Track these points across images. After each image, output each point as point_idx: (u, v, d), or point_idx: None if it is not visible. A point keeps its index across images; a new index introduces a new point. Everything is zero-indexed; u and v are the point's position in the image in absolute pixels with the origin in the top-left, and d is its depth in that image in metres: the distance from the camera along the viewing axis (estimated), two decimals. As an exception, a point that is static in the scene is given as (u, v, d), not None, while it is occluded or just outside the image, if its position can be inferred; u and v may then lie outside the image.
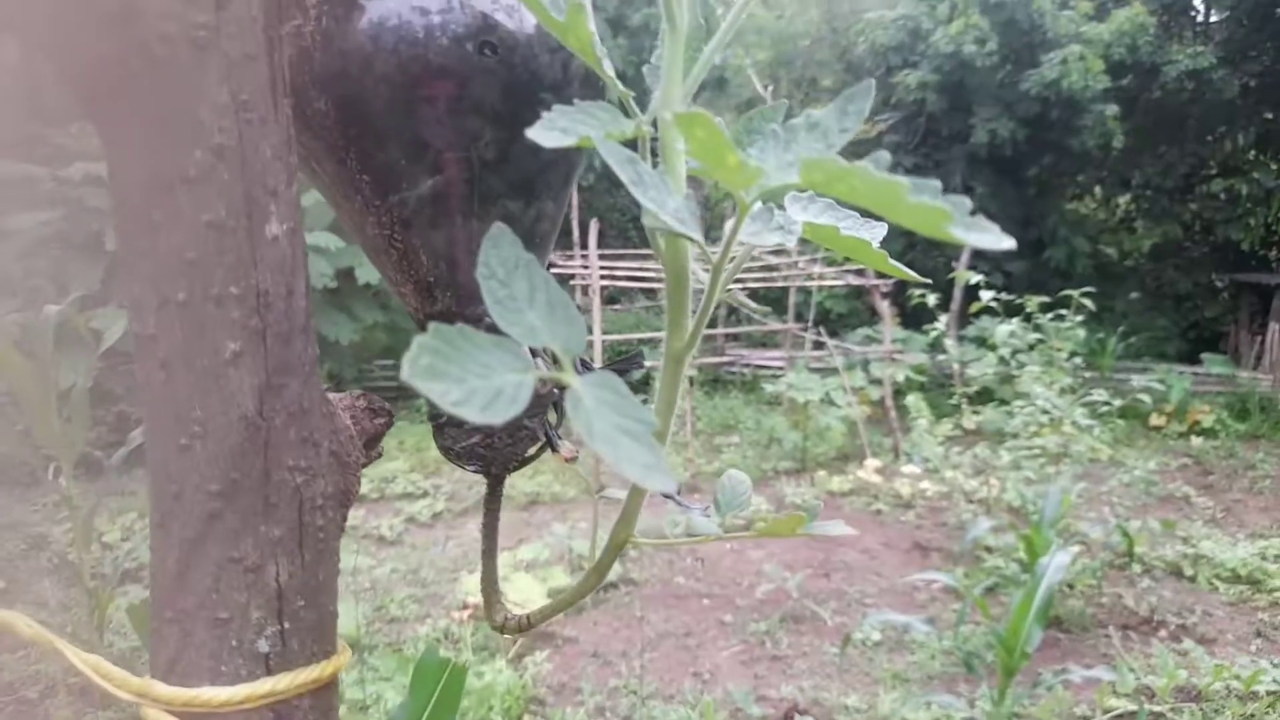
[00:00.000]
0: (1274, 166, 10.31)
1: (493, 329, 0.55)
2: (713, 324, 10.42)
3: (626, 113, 0.43)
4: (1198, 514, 5.77)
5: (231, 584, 0.47)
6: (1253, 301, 9.97)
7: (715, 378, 9.40)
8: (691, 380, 8.62)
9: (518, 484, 6.12)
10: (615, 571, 4.58)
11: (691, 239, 0.41)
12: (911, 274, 0.43)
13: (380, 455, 0.58)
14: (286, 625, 0.48)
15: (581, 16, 0.42)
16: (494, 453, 0.60)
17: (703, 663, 3.70)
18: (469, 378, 0.35)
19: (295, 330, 0.49)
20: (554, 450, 0.60)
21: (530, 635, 3.80)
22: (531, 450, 0.64)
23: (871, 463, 6.56)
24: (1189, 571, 4.65)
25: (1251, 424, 7.95)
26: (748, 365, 9.22)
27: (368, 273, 8.19)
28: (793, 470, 6.72)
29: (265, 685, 0.46)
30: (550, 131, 0.37)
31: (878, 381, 7.46)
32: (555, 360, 0.39)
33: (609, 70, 0.45)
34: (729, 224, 0.42)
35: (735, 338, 9.65)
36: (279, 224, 0.47)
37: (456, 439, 0.60)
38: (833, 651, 3.75)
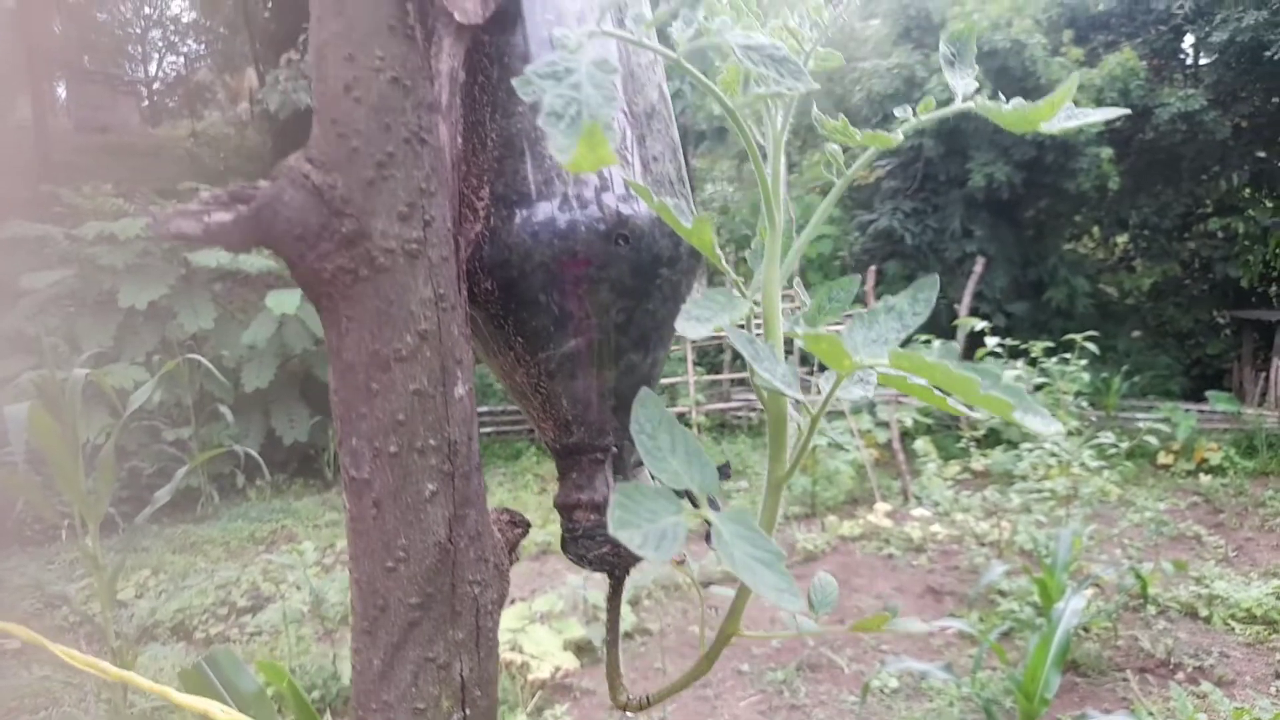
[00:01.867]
0: (1269, 204, 10.42)
1: (617, 458, 0.66)
2: (718, 369, 10.47)
3: (741, 291, 0.56)
4: (1210, 553, 5.77)
5: (427, 680, 0.57)
6: (1255, 338, 10.02)
7: (722, 422, 9.44)
8: (699, 426, 8.66)
9: (530, 534, 6.11)
10: (630, 621, 4.60)
11: (796, 399, 0.53)
12: (962, 410, 0.48)
13: (518, 559, 0.67)
14: (468, 712, 0.58)
15: (707, 226, 0.54)
16: (620, 559, 0.68)
17: (722, 713, 3.70)
18: (643, 524, 0.45)
19: (473, 469, 0.59)
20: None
21: (548, 688, 3.81)
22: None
23: (881, 506, 6.58)
24: (1204, 612, 4.65)
25: (1259, 461, 7.96)
26: (754, 409, 9.27)
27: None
28: (803, 515, 6.74)
29: (453, 763, 0.55)
30: (692, 323, 0.50)
31: (884, 424, 7.50)
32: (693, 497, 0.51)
33: (726, 265, 0.58)
34: (823, 380, 0.54)
35: (742, 382, 9.71)
36: (463, 386, 0.58)
37: (589, 549, 0.68)
38: (851, 700, 3.76)
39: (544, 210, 0.62)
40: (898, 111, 0.59)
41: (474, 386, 0.60)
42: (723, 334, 0.55)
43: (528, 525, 0.68)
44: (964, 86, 0.57)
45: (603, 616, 4.57)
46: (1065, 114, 0.53)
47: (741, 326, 0.55)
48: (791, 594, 0.44)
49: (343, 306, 0.55)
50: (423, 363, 0.56)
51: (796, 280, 0.68)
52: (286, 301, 7.57)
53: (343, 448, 0.58)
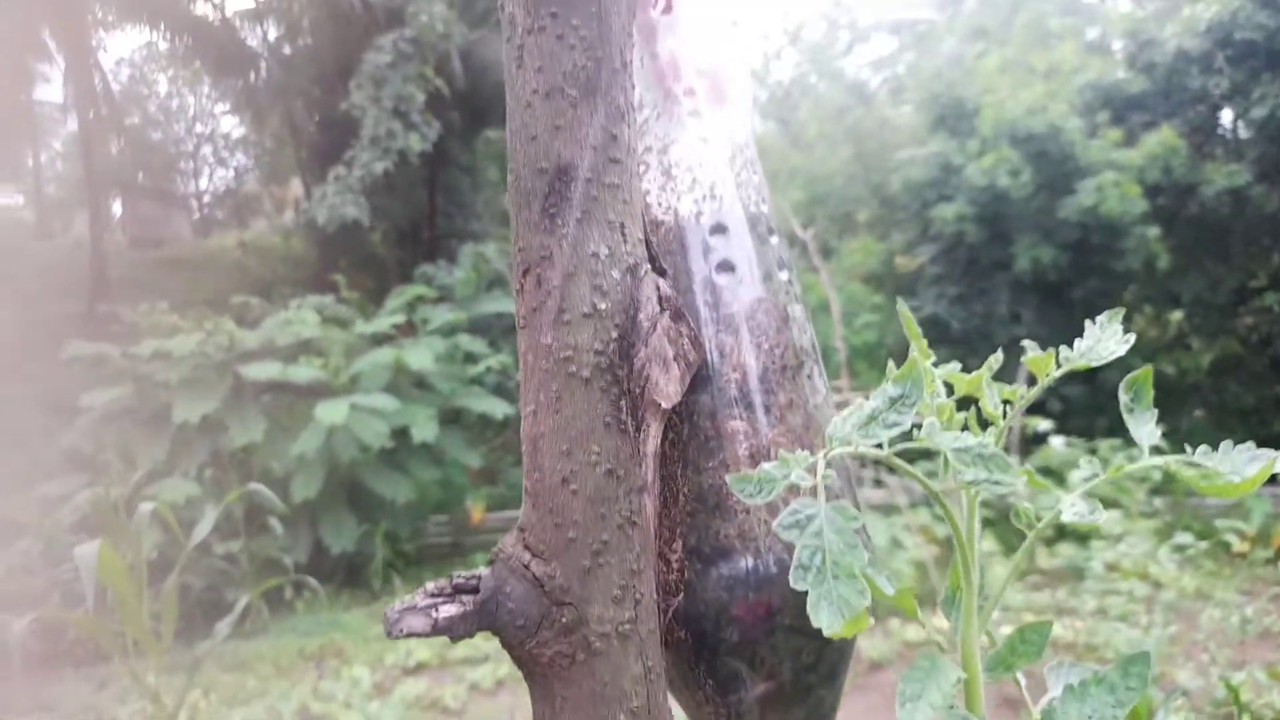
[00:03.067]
0: (1325, 277, 10.21)
1: None
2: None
3: (940, 646, 0.61)
4: (1301, 652, 5.44)
5: None
6: (1323, 414, 9.70)
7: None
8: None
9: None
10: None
11: None
12: None
13: None
14: None
15: (909, 597, 0.59)
16: None
17: None
18: None
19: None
20: None
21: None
22: None
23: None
24: (1304, 721, 4.35)
25: (1341, 545, 7.58)
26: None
27: (422, 431, 8.33)
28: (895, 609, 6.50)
29: None
30: (909, 706, 0.53)
31: (943, 518, 7.28)
32: None
33: (920, 613, 0.62)
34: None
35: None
36: None
37: None
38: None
39: (738, 564, 0.63)
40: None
41: None
42: None
43: None
44: (1148, 436, 0.63)
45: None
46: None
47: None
48: None
49: (558, 687, 0.58)
50: None
51: (991, 622, 0.72)
52: (335, 412, 7.64)
53: None
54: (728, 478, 0.49)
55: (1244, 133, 10.36)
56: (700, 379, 0.66)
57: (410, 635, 0.56)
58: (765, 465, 0.50)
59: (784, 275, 0.72)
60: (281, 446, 8.02)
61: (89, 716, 5.54)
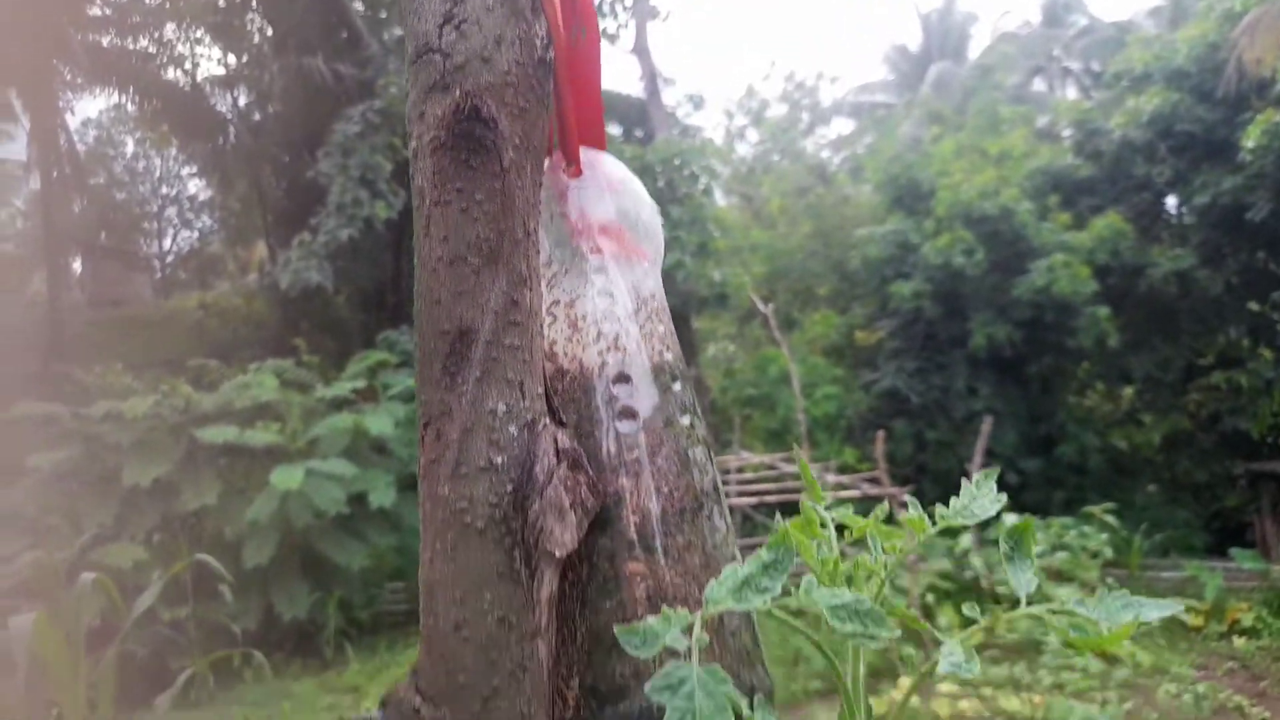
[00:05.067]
0: (1269, 356, 10.52)
1: None
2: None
3: None
4: (1254, 729, 5.47)
5: None
6: (1273, 490, 9.89)
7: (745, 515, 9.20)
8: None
9: None
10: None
11: None
12: None
13: None
14: None
15: None
16: None
17: None
18: None
19: None
20: None
21: None
22: None
23: (905, 681, 6.29)
24: (1257, 801, 4.36)
25: (1292, 621, 7.68)
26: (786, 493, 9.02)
27: (380, 497, 8.22)
28: (824, 691, 6.43)
29: None
30: None
31: (903, 591, 7.28)
32: None
33: None
34: None
35: (752, 548, 9.50)
36: None
37: None
38: None
39: (633, 703, 0.65)
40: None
41: None
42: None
43: None
44: (1025, 585, 0.64)
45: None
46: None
47: None
48: None
49: None
50: None
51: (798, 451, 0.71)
52: (291, 477, 7.52)
53: None
54: (615, 629, 0.50)
55: (1188, 218, 10.76)
56: (600, 521, 0.67)
57: None
58: (649, 620, 0.52)
59: (686, 420, 0.74)
60: (235, 511, 7.86)
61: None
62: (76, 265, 17.94)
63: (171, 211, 19.44)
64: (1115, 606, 0.59)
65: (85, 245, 16.96)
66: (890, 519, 0.67)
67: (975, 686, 5.85)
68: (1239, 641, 7.33)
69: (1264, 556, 8.86)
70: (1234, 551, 8.77)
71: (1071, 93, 17.93)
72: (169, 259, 19.88)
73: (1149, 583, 7.92)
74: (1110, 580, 4.62)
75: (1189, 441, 10.85)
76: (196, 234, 19.73)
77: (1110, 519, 4.56)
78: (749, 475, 9.89)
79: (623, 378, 0.72)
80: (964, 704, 5.89)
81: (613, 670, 0.65)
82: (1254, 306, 10.34)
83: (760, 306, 8.41)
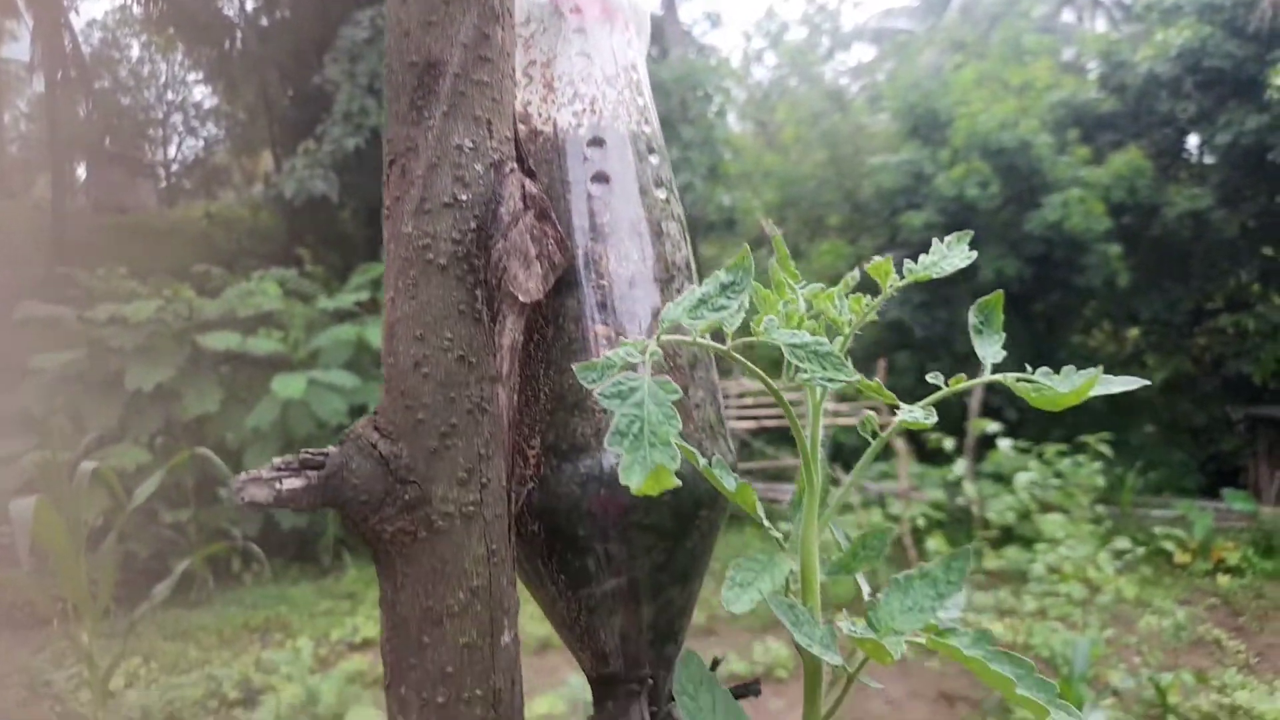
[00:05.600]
0: (1278, 302, 10.43)
1: (652, 690, 0.70)
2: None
3: (780, 544, 0.63)
4: (1231, 659, 5.57)
5: None
6: (1270, 436, 9.91)
7: (732, 514, 9.28)
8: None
9: (527, 627, 5.98)
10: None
11: (835, 663, 0.56)
12: (1008, 681, 0.51)
13: None
14: None
15: (748, 491, 0.60)
16: None
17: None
18: None
19: (515, 713, 0.62)
20: None
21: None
22: None
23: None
24: (1227, 725, 4.46)
25: (1278, 562, 7.77)
26: (760, 500, 9.13)
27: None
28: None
29: None
30: (736, 590, 0.54)
31: (895, 518, 7.36)
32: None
33: (762, 514, 0.63)
34: (844, 624, 0.57)
35: (748, 472, 9.61)
36: (509, 634, 0.61)
37: None
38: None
39: (592, 461, 0.65)
40: (930, 377, 0.65)
41: (518, 632, 0.63)
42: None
43: None
44: (992, 355, 0.65)
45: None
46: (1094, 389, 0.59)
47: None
48: None
49: (400, 564, 0.59)
50: (473, 617, 0.59)
51: (833, 525, 0.70)
52: (292, 385, 7.56)
53: (390, 694, 0.59)
54: (574, 365, 0.50)
55: (1208, 158, 10.56)
56: (567, 284, 0.68)
57: (253, 504, 0.56)
58: (606, 353, 0.51)
59: (660, 193, 0.74)
60: (236, 418, 7.93)
61: (23, 679, 5.45)
62: (81, 171, 17.82)
63: (177, 118, 19.21)
64: (1075, 378, 0.59)
65: (90, 150, 16.81)
66: (877, 433, 0.66)
67: (960, 613, 5.94)
68: (1223, 579, 7.43)
69: (1256, 499, 8.92)
70: (1226, 492, 8.83)
71: (1100, 25, 17.48)
72: (174, 167, 19.72)
73: (1139, 519, 7.99)
74: (1100, 509, 4.65)
75: (1190, 384, 10.83)
76: (202, 142, 19.53)
77: (1104, 448, 4.57)
78: (749, 401, 9.94)
79: (597, 141, 0.71)
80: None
81: (574, 429, 0.66)
82: (1268, 251, 10.21)
83: (769, 229, 8.33)
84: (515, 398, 0.65)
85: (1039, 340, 10.38)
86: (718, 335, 0.57)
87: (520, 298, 0.62)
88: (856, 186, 11.22)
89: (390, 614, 0.59)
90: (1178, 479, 9.78)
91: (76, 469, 3.41)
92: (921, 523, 7.15)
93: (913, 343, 10.15)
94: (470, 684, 0.58)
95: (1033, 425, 9.28)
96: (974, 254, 0.65)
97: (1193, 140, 10.62)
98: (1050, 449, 4.70)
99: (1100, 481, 4.61)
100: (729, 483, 0.58)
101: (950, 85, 10.65)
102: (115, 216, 15.58)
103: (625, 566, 0.67)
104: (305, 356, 8.39)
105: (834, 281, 0.67)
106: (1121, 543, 4.43)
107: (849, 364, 0.56)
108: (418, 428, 0.58)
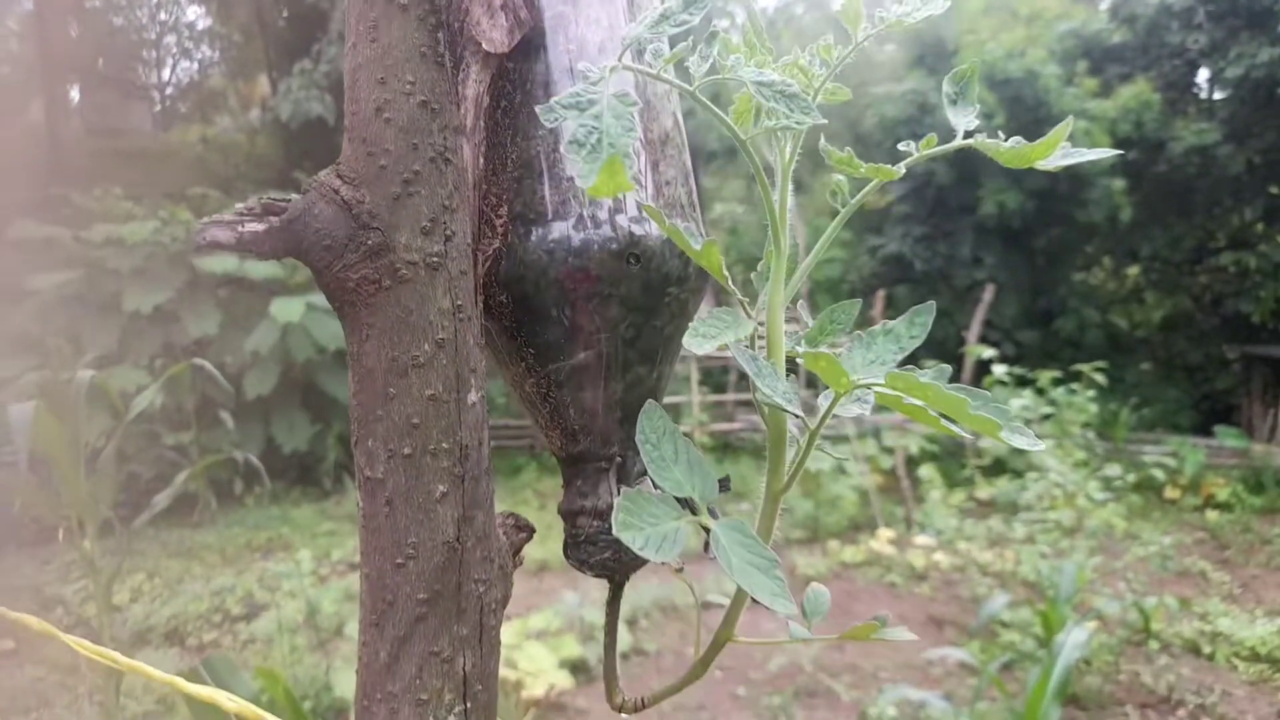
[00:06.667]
0: (1281, 240, 10.39)
1: (621, 468, 0.70)
2: (723, 389, 10.42)
3: (746, 312, 0.61)
4: (1215, 590, 5.69)
5: (431, 672, 0.59)
6: (1265, 374, 9.96)
7: (725, 443, 9.38)
8: (702, 446, 8.60)
9: (527, 549, 6.07)
10: (626, 641, 4.54)
11: (796, 415, 0.55)
12: (955, 430, 0.49)
13: (521, 564, 0.69)
14: (469, 705, 0.61)
15: (714, 249, 0.58)
16: (620, 565, 0.70)
17: (716, 738, 3.64)
18: (645, 527, 0.49)
19: (482, 473, 0.62)
20: (664, 561, 0.68)
21: (542, 706, 3.75)
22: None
23: (884, 533, 6.51)
24: (1207, 649, 4.58)
25: (1267, 498, 7.89)
26: (759, 430, 9.22)
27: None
28: (805, 540, 6.67)
29: (452, 753, 0.59)
30: (698, 339, 0.52)
31: (890, 450, 7.44)
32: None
33: (732, 285, 0.62)
34: (823, 399, 0.56)
35: (746, 404, 9.67)
36: (476, 393, 0.61)
37: (591, 554, 0.70)
38: (848, 728, 3.69)
39: (559, 229, 0.65)
40: (901, 146, 0.62)
41: (486, 395, 0.63)
42: (727, 354, 0.58)
43: (532, 530, 0.70)
44: (964, 123, 0.62)
45: (599, 635, 4.51)
46: (1062, 152, 0.57)
47: (746, 346, 0.58)
48: (784, 599, 0.48)
49: (364, 314, 0.59)
50: (438, 370, 0.59)
51: (802, 303, 0.69)
52: (290, 309, 7.56)
53: (359, 448, 0.60)
54: (537, 108, 0.47)
55: (1218, 92, 10.41)
56: (535, 48, 0.66)
57: (215, 247, 0.56)
58: (569, 88, 0.49)
59: None
60: (236, 342, 7.95)
61: (33, 594, 5.56)
62: (75, 94, 17.52)
63: (170, 40, 18.83)
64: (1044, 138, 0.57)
65: (83, 72, 16.51)
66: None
67: (950, 540, 6.06)
68: (1211, 514, 7.55)
69: (1248, 436, 9.00)
70: (1218, 429, 8.91)
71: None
72: (168, 90, 19.40)
73: (1132, 455, 8.08)
74: (1093, 440, 4.71)
75: (1188, 322, 10.84)
76: (196, 65, 19.17)
77: (1099, 377, 4.60)
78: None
79: None
80: (939, 556, 6.12)
81: (542, 197, 0.65)
82: (1273, 189, 10.13)
83: (771, 164, 8.23)
84: (482, 160, 0.65)
85: (1038, 275, 10.36)
86: (684, 75, 0.56)
87: (485, 47, 0.62)
88: (860, 117, 11.07)
89: (357, 367, 0.59)
90: (1172, 415, 9.86)
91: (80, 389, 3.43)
92: (916, 450, 7.23)
93: (913, 277, 10.13)
94: (437, 437, 0.59)
95: (1029, 362, 9.33)
96: (948, 3, 0.62)
97: (1203, 74, 10.46)
98: (1044, 375, 4.73)
99: (1093, 409, 4.65)
100: (695, 243, 0.58)
101: (958, 12, 10.45)
102: (110, 140, 15.38)
103: (593, 340, 0.66)
104: (303, 280, 8.37)
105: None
106: (1112, 470, 4.49)
107: (816, 110, 0.55)
108: (380, 174, 0.58)
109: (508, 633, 4.28)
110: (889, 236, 10.37)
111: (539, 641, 4.24)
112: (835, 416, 0.56)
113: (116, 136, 15.71)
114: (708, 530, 0.52)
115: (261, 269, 8.11)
